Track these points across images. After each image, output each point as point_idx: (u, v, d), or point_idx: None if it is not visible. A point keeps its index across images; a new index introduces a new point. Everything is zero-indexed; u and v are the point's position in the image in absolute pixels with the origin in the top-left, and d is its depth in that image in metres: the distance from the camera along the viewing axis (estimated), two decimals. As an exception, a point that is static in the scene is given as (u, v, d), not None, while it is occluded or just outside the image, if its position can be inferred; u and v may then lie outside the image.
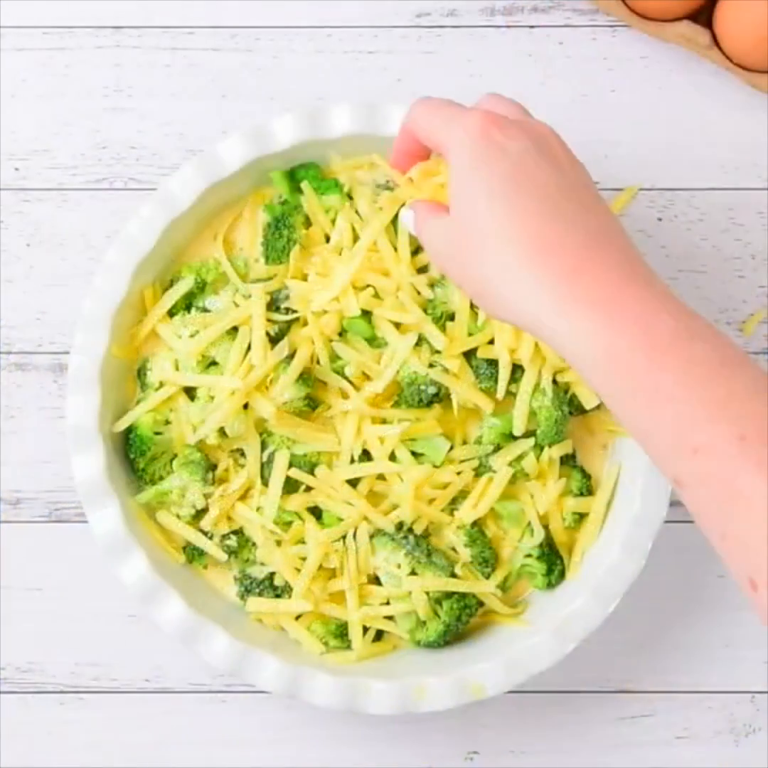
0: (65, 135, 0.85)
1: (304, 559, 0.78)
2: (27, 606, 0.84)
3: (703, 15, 0.84)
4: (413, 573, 0.77)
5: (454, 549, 0.79)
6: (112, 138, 0.85)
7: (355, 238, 0.79)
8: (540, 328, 0.59)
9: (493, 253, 0.59)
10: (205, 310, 0.79)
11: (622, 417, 0.57)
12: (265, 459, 0.78)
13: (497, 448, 0.79)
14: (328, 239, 0.80)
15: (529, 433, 0.78)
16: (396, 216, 0.78)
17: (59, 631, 0.84)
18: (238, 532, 0.79)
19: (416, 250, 0.79)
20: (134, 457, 0.79)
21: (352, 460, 0.78)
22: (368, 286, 0.78)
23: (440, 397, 0.78)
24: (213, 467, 0.79)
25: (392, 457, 0.78)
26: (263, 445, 0.78)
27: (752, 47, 0.82)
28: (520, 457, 0.79)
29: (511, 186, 0.59)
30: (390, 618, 0.79)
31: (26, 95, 0.86)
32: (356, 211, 0.79)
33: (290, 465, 0.78)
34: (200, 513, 0.79)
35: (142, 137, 0.85)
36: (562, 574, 0.79)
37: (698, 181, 0.86)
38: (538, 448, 0.79)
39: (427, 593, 0.78)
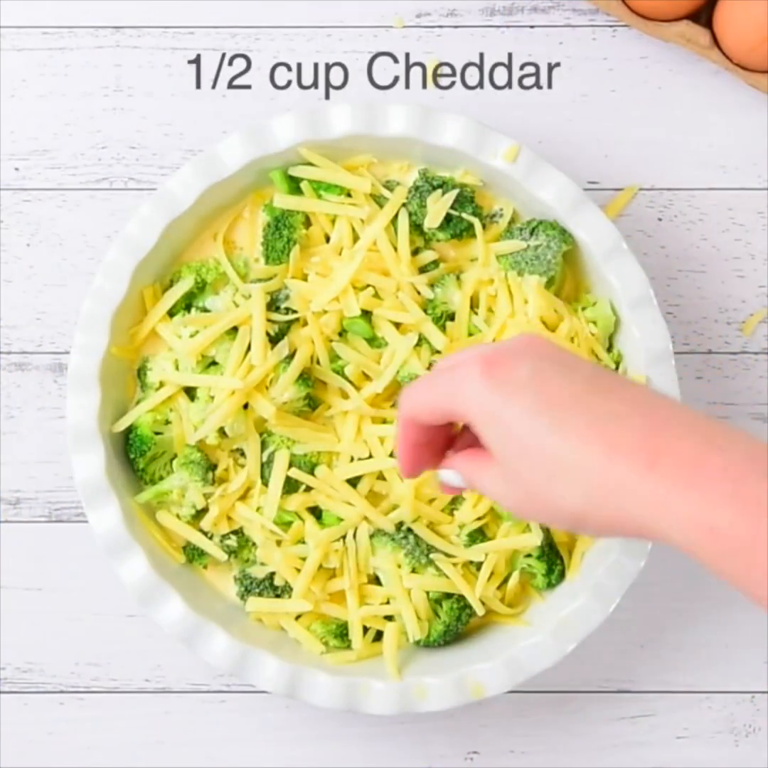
0: (65, 135, 0.85)
1: (304, 559, 0.78)
2: (27, 606, 0.84)
3: (703, 15, 0.84)
4: (413, 573, 0.77)
5: (454, 549, 0.79)
6: (112, 138, 0.85)
7: (355, 238, 0.79)
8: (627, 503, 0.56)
9: (554, 460, 0.57)
10: (205, 310, 0.79)
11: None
12: (265, 459, 0.78)
13: (497, 448, 0.79)
14: (328, 239, 0.80)
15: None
16: (396, 216, 0.78)
17: (59, 631, 0.84)
18: (238, 532, 0.79)
19: (416, 250, 0.79)
20: (134, 457, 0.79)
21: (352, 460, 0.78)
22: (368, 286, 0.78)
23: (440, 397, 0.78)
24: (213, 467, 0.79)
25: (392, 457, 0.78)
26: (263, 445, 0.78)
27: (752, 47, 0.82)
28: (520, 457, 0.78)
29: (542, 405, 0.57)
30: (390, 618, 0.79)
31: (26, 95, 0.86)
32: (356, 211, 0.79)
33: (290, 465, 0.78)
34: (200, 513, 0.79)
35: (142, 137, 0.85)
36: (562, 574, 0.79)
37: (698, 181, 0.86)
38: (538, 448, 0.78)
39: (427, 593, 0.78)
